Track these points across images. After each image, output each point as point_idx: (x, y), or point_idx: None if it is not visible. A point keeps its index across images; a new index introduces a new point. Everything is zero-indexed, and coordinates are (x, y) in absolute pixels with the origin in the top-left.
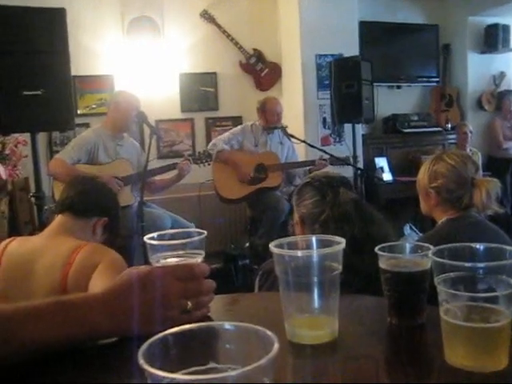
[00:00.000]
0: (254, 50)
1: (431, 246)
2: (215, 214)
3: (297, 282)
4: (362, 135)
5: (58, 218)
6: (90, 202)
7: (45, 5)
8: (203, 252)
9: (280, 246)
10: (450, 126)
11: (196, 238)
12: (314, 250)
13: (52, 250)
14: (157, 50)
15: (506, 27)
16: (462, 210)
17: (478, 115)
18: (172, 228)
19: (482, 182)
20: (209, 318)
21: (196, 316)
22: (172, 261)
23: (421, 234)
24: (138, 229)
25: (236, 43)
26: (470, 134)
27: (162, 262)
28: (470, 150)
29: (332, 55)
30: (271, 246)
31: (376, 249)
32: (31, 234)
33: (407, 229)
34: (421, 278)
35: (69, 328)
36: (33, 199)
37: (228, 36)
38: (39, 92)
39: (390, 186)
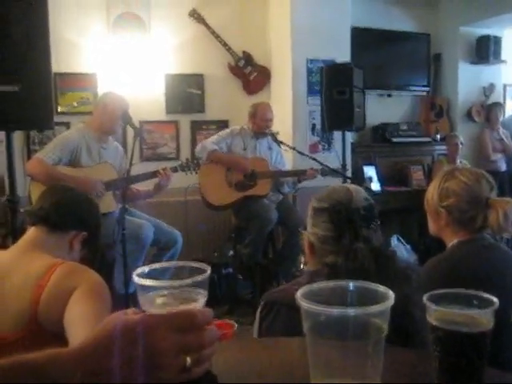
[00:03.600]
0: (244, 52)
1: (495, 299)
2: (200, 219)
3: (331, 342)
4: (351, 143)
5: (31, 231)
6: (68, 214)
7: None
8: (206, 293)
9: (308, 296)
10: (439, 136)
11: (199, 278)
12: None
13: (22, 269)
14: (143, 48)
15: (497, 39)
16: (475, 232)
17: (468, 126)
18: (155, 236)
19: (498, 203)
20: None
21: (196, 373)
22: (166, 302)
23: (408, 246)
24: (119, 237)
25: (225, 44)
26: (460, 146)
27: (156, 304)
28: (461, 162)
29: (323, 60)
30: (298, 295)
31: (424, 298)
32: (5, 237)
33: (394, 240)
34: (484, 340)
35: None
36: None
37: (217, 37)
38: (16, 88)
39: (378, 196)
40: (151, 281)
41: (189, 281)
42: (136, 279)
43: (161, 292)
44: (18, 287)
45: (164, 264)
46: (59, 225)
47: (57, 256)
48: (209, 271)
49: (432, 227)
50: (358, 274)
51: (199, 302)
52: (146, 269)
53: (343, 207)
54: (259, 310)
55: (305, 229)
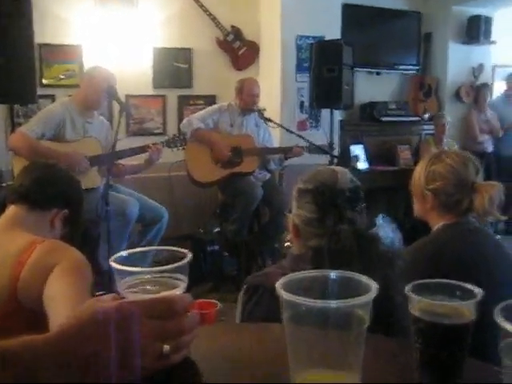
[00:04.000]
0: (232, 26)
1: (478, 290)
2: (186, 195)
3: (311, 332)
4: (339, 121)
5: (10, 210)
6: (49, 191)
7: None
8: (186, 279)
9: (289, 286)
10: (427, 116)
11: (179, 264)
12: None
13: (2, 247)
14: (130, 21)
15: (488, 19)
16: (460, 216)
17: (456, 107)
18: (140, 212)
19: (484, 187)
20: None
21: (174, 360)
22: (146, 288)
23: (393, 225)
24: (103, 213)
25: (213, 19)
26: (447, 126)
27: (135, 290)
28: (447, 142)
29: (313, 37)
30: (278, 286)
31: (407, 289)
32: None
33: (379, 219)
34: (466, 332)
35: None
36: None
37: (205, 11)
38: None
39: (365, 174)
40: (130, 267)
41: (169, 267)
42: (114, 264)
43: (140, 277)
44: None
45: (143, 249)
46: (40, 203)
47: (37, 234)
48: (189, 256)
49: (417, 209)
50: (340, 257)
51: (179, 287)
52: (124, 253)
53: (327, 189)
54: (242, 293)
55: (290, 211)
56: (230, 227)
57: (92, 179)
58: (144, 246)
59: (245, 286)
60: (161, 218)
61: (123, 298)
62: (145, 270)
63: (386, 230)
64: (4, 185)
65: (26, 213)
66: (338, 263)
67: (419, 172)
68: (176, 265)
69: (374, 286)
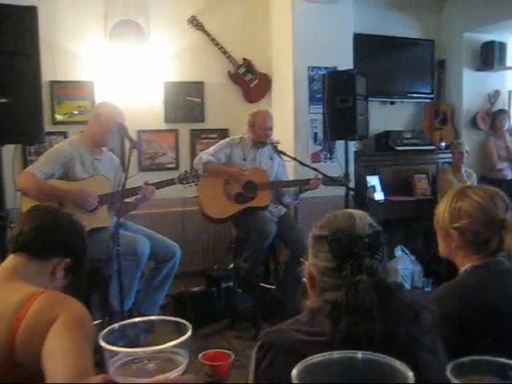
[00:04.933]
0: (244, 59)
1: None
2: (199, 230)
3: None
4: (354, 152)
5: (10, 259)
6: (49, 239)
7: (15, 2)
8: (187, 354)
9: (307, 374)
10: (443, 144)
11: (179, 341)
12: None
13: (0, 301)
14: (141, 56)
15: (502, 45)
16: (489, 256)
17: (473, 134)
18: (152, 250)
19: None
20: None
21: None
22: (143, 368)
23: (412, 257)
24: (113, 253)
25: (225, 52)
26: (466, 154)
27: (129, 371)
28: (466, 171)
29: (325, 68)
30: (294, 375)
31: (448, 371)
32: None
33: (398, 250)
34: None
35: None
36: None
37: (217, 44)
38: (5, 100)
39: (381, 205)
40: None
41: (167, 346)
42: (103, 344)
43: (134, 356)
44: None
45: (139, 319)
46: (40, 252)
47: (38, 285)
48: (190, 331)
49: (442, 249)
50: (359, 312)
51: (180, 367)
52: (115, 326)
53: (344, 235)
54: (255, 350)
55: (306, 258)
56: (242, 265)
57: (101, 218)
58: (158, 284)
59: (259, 343)
60: (173, 255)
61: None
62: (139, 350)
63: (405, 262)
64: (12, 225)
65: (25, 262)
66: (356, 319)
67: (443, 209)
68: (175, 342)
69: (410, 375)
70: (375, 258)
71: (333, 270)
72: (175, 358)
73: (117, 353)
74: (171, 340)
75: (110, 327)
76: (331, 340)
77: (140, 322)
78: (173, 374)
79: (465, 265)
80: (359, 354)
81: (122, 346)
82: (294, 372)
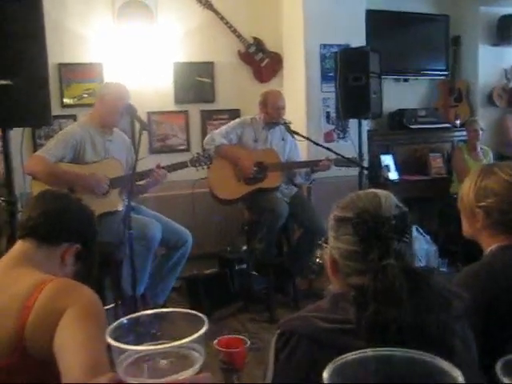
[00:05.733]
0: (254, 38)
1: None
2: (211, 213)
3: None
4: (367, 131)
5: (18, 245)
6: (58, 225)
7: None
8: (203, 350)
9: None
10: (458, 122)
11: (194, 337)
12: None
13: (8, 288)
14: (150, 36)
15: None
16: None
17: (489, 111)
18: (163, 236)
19: None
20: None
21: None
22: (156, 365)
23: (427, 237)
24: (125, 237)
25: (235, 31)
26: (481, 132)
27: (139, 370)
28: (481, 149)
29: (338, 45)
30: (326, 376)
31: (498, 369)
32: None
33: (414, 231)
34: None
35: None
36: (4, 204)
37: (226, 23)
38: (10, 82)
39: (396, 185)
40: (131, 345)
41: (182, 342)
42: (111, 341)
43: (145, 353)
44: (4, 309)
45: (150, 312)
46: (49, 237)
47: (48, 271)
48: (206, 325)
49: (466, 229)
50: (387, 298)
51: (196, 365)
52: (124, 320)
53: (370, 216)
54: (275, 339)
55: (326, 241)
56: (257, 246)
57: (113, 202)
58: (168, 269)
59: (278, 331)
60: (185, 241)
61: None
62: (150, 348)
63: (419, 242)
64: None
65: (34, 248)
66: (385, 306)
67: (468, 187)
68: (190, 338)
69: (458, 377)
70: (403, 241)
71: (357, 254)
72: (190, 354)
73: (126, 350)
74: (185, 333)
75: (118, 322)
76: (356, 328)
77: (151, 314)
78: (188, 373)
79: (490, 245)
80: (397, 352)
81: (131, 341)
82: (326, 373)
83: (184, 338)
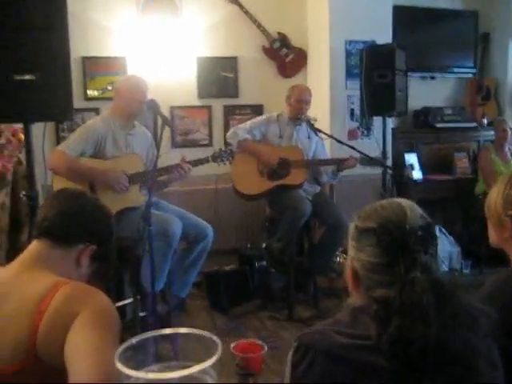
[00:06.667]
0: (279, 33)
1: None
2: (233, 208)
3: None
4: (392, 129)
5: (33, 245)
6: (74, 225)
7: None
8: (215, 375)
9: None
10: (486, 121)
11: (207, 363)
12: None
13: (22, 291)
14: (174, 30)
15: None
16: None
17: None
18: (184, 230)
19: None
20: None
21: None
22: None
23: (451, 238)
24: (144, 233)
25: (259, 26)
26: (509, 132)
27: None
28: (509, 150)
29: (363, 41)
30: None
31: None
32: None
33: (437, 231)
34: None
35: None
36: (25, 199)
37: (251, 18)
38: (33, 76)
39: (420, 184)
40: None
41: (194, 370)
42: (120, 366)
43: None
44: (17, 313)
45: (162, 332)
46: (64, 238)
47: (62, 272)
48: (219, 350)
49: (493, 237)
50: (414, 312)
51: None
52: (133, 340)
53: (395, 227)
54: (291, 352)
55: (345, 252)
56: (275, 244)
57: (133, 197)
58: (190, 264)
59: (295, 345)
60: (205, 236)
61: None
62: (161, 378)
63: (443, 243)
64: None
65: (49, 249)
66: (410, 321)
67: (496, 195)
68: (204, 366)
69: None
70: (429, 254)
71: (382, 266)
72: (203, 377)
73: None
74: (198, 355)
75: (127, 343)
76: (376, 343)
77: (163, 335)
78: None
79: None
80: None
81: (140, 361)
82: None
83: (197, 359)
